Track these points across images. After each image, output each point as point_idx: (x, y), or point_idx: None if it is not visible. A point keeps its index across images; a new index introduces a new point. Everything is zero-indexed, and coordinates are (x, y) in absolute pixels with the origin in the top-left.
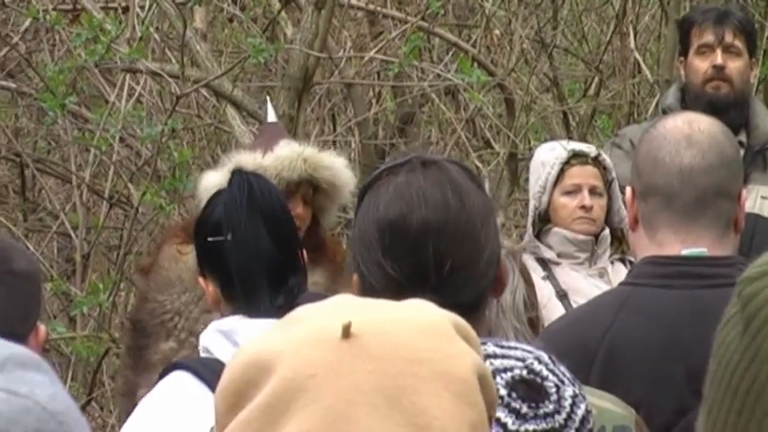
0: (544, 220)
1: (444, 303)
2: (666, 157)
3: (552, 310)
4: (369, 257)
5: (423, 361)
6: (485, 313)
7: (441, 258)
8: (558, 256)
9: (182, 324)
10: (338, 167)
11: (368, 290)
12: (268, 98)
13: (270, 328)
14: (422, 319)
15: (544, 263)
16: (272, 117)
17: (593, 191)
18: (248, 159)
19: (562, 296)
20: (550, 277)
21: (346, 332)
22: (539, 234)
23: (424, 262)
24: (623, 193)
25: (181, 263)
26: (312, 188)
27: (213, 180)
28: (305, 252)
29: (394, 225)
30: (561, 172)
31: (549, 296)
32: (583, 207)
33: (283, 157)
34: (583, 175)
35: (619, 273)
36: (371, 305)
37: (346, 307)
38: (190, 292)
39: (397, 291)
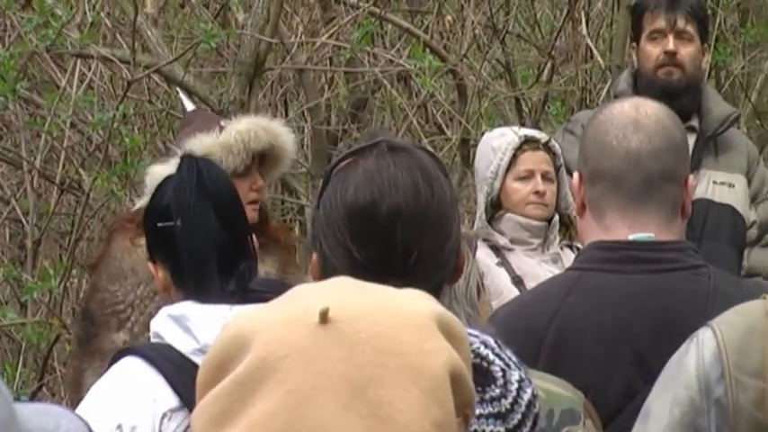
0: (496, 207)
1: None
2: (614, 141)
3: (509, 297)
4: (334, 240)
5: (395, 353)
6: (442, 301)
7: (408, 246)
8: (512, 242)
9: (135, 317)
10: (287, 135)
11: (329, 271)
12: (178, 89)
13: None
14: (406, 312)
15: (497, 249)
16: (189, 105)
17: (545, 176)
18: (208, 140)
19: (518, 282)
20: (504, 263)
21: (323, 317)
22: (490, 220)
23: (392, 248)
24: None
25: (135, 255)
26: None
27: (161, 173)
28: (257, 239)
29: (364, 210)
30: (513, 158)
31: (505, 282)
32: (536, 192)
33: (246, 130)
34: (535, 160)
35: (567, 258)
36: (365, 289)
37: (339, 289)
38: (145, 285)
39: (360, 275)
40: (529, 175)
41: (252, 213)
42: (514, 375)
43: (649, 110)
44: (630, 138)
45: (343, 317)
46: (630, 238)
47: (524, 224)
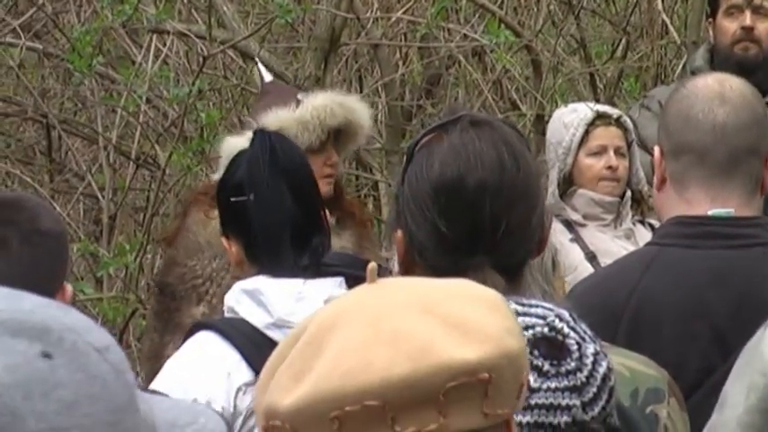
0: (568, 182)
1: (496, 264)
2: (699, 114)
3: (583, 273)
4: (421, 216)
5: (454, 293)
6: (525, 275)
7: (496, 220)
8: (584, 217)
9: (213, 290)
10: (363, 111)
11: (416, 247)
12: (256, 59)
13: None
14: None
15: (570, 225)
16: (267, 76)
17: (617, 151)
18: (284, 115)
19: (591, 258)
20: (578, 239)
21: (372, 276)
22: (562, 196)
23: (480, 223)
24: (651, 153)
25: (210, 227)
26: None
27: (236, 144)
28: (332, 214)
29: (450, 185)
30: (585, 133)
31: (578, 258)
32: (609, 168)
33: (322, 106)
34: (608, 136)
35: (640, 234)
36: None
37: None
38: (220, 258)
39: (449, 250)
40: (601, 151)
41: (326, 188)
42: (590, 348)
43: (734, 84)
44: (717, 111)
45: (391, 281)
46: (710, 213)
47: (597, 200)
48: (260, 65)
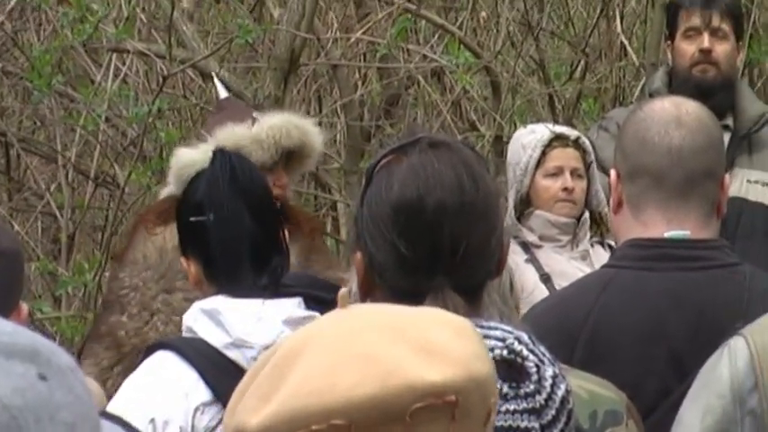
0: (525, 203)
1: (456, 286)
2: (655, 137)
3: (537, 295)
4: (380, 237)
5: (422, 318)
6: (485, 296)
7: (456, 241)
8: (540, 239)
9: (137, 299)
10: (318, 135)
11: (376, 269)
12: (213, 74)
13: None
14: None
15: (526, 246)
16: (223, 92)
17: (574, 173)
18: (239, 131)
19: (546, 279)
20: (533, 260)
21: (343, 302)
22: (519, 217)
23: (440, 244)
24: (608, 174)
25: (149, 242)
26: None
27: (188, 157)
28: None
29: (410, 206)
30: (543, 154)
31: (533, 280)
32: (565, 189)
33: (278, 126)
34: (564, 157)
35: (598, 255)
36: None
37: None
38: (153, 269)
39: (409, 271)
40: (558, 172)
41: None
42: (548, 371)
43: (690, 108)
44: (672, 134)
45: (362, 307)
46: (666, 235)
47: (553, 221)
48: (216, 80)
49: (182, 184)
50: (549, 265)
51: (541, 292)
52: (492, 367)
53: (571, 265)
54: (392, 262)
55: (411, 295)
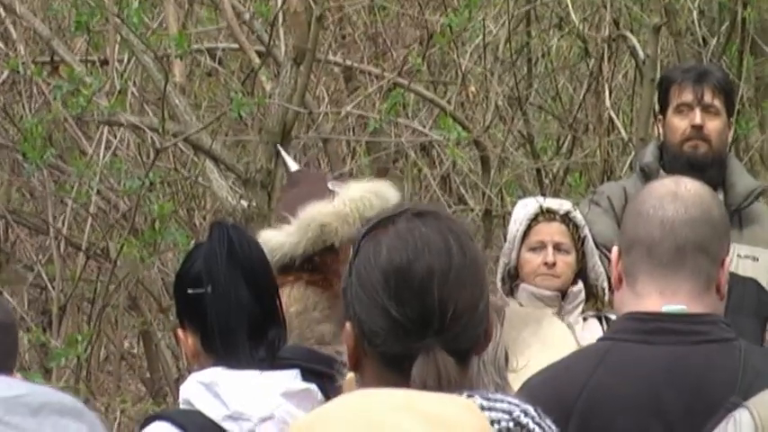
0: (513, 277)
1: (446, 348)
2: (650, 210)
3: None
4: (371, 302)
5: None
6: (471, 368)
7: (444, 303)
8: None
9: None
10: (396, 196)
11: (366, 336)
12: (280, 148)
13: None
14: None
15: None
16: (293, 165)
17: (557, 247)
18: (324, 209)
19: None
20: None
21: (350, 385)
22: (511, 291)
23: (429, 306)
24: (600, 250)
25: None
26: None
27: (276, 241)
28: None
29: (399, 270)
30: (529, 228)
31: None
32: (546, 263)
33: (359, 198)
34: (548, 231)
35: (591, 328)
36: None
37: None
38: None
39: (400, 335)
40: (540, 246)
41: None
42: None
43: (690, 185)
44: (667, 207)
45: None
46: (663, 309)
47: (537, 294)
48: (284, 153)
49: (274, 268)
50: None
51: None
52: None
53: None
54: (382, 326)
55: (401, 359)
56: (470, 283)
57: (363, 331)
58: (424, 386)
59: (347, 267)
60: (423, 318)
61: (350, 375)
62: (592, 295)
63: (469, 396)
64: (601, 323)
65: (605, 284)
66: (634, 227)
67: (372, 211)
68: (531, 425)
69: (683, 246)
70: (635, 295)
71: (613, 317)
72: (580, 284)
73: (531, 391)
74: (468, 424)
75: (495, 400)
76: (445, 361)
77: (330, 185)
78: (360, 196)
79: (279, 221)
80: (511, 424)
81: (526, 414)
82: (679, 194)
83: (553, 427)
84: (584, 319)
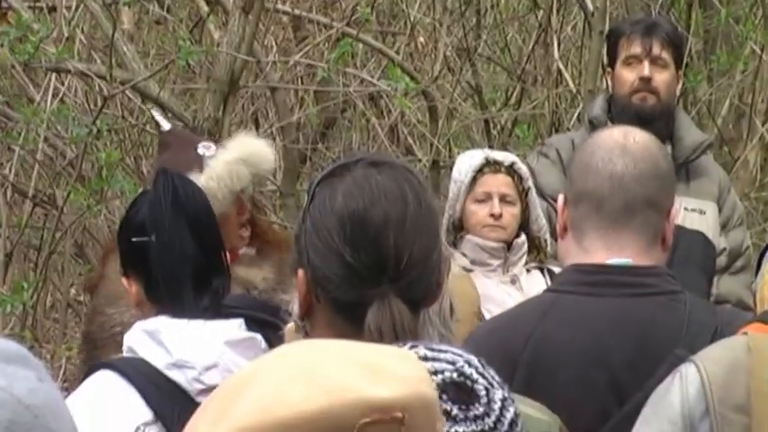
0: (458, 228)
1: (400, 296)
2: (599, 163)
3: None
4: (326, 248)
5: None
6: (419, 319)
7: (400, 250)
8: (472, 263)
9: None
10: (267, 153)
11: (320, 282)
12: (151, 109)
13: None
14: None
15: None
16: (165, 124)
17: (503, 199)
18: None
19: None
20: None
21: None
22: (454, 242)
23: (384, 253)
24: (548, 201)
25: None
26: None
27: None
28: (252, 245)
29: (355, 216)
30: (474, 180)
31: None
32: (492, 215)
33: (227, 173)
34: (494, 183)
35: (534, 280)
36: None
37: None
38: None
39: (354, 281)
40: (486, 198)
41: (246, 233)
42: (497, 394)
43: (638, 137)
44: (616, 161)
45: None
46: (608, 261)
47: (482, 245)
48: (155, 113)
49: None
50: (478, 289)
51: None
52: (436, 394)
53: (500, 290)
54: (337, 272)
55: (355, 306)
56: (426, 231)
57: (317, 277)
58: (379, 333)
59: (300, 214)
60: (378, 264)
61: (290, 325)
62: (534, 247)
63: (413, 346)
64: (543, 275)
65: (547, 236)
66: (583, 179)
67: (243, 181)
68: (475, 375)
69: (632, 202)
70: (582, 250)
71: (555, 269)
72: (523, 236)
73: (476, 343)
74: (403, 373)
75: (440, 351)
76: (400, 308)
77: (200, 149)
78: (228, 170)
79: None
80: (455, 374)
81: (470, 364)
82: (628, 147)
83: (497, 378)
84: (528, 271)
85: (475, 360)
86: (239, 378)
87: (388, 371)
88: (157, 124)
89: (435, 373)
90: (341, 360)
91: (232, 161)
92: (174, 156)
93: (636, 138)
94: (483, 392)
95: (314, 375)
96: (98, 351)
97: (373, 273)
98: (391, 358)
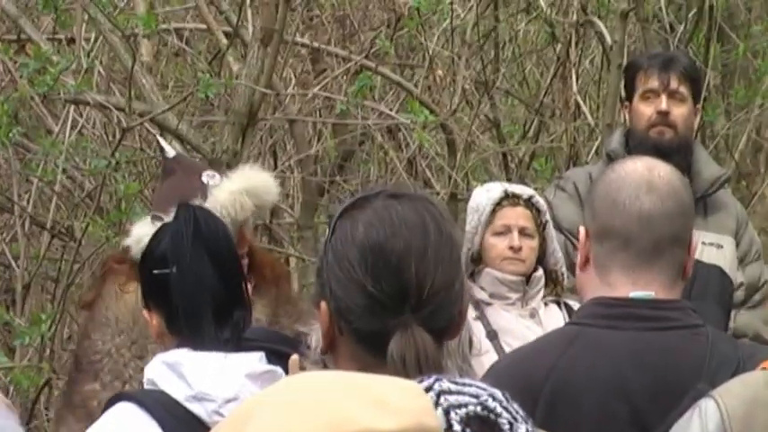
0: (476, 261)
1: (422, 325)
2: (626, 200)
3: (483, 351)
4: (347, 278)
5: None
6: (442, 351)
7: (422, 279)
8: (491, 296)
9: (110, 366)
10: (272, 190)
11: (342, 314)
12: (158, 137)
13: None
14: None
15: (476, 304)
16: (170, 151)
17: (522, 232)
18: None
19: (492, 336)
20: (482, 318)
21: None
22: (472, 275)
23: (406, 283)
24: (565, 235)
25: (121, 302)
26: None
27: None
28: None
29: (376, 246)
30: (493, 213)
31: (480, 336)
32: (512, 248)
33: (230, 202)
34: (513, 216)
35: (552, 314)
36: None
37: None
38: (125, 334)
39: (377, 311)
40: (506, 231)
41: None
42: (521, 428)
43: (662, 172)
44: (643, 199)
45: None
46: (631, 295)
47: (501, 279)
48: (161, 139)
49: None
50: (498, 323)
51: (487, 348)
52: (442, 425)
53: (519, 323)
54: (359, 302)
55: (377, 336)
56: (447, 260)
57: (340, 309)
58: (402, 362)
59: (322, 246)
60: (400, 293)
61: (293, 357)
62: (551, 280)
63: (437, 380)
64: (560, 308)
65: (564, 269)
66: (609, 215)
67: (245, 211)
68: (499, 409)
69: (660, 240)
70: (607, 285)
71: (573, 303)
72: (541, 270)
73: (498, 376)
74: (407, 405)
75: (464, 384)
76: (423, 338)
77: (204, 177)
78: (231, 200)
79: (154, 219)
80: (478, 408)
81: (494, 398)
82: (654, 184)
83: (521, 412)
84: (545, 304)
85: (499, 394)
86: (244, 410)
87: (391, 403)
88: (162, 150)
89: (459, 406)
90: (344, 392)
91: (236, 191)
92: (178, 183)
93: (660, 173)
94: (507, 427)
95: (317, 407)
96: (80, 375)
97: (395, 302)
98: (394, 390)
